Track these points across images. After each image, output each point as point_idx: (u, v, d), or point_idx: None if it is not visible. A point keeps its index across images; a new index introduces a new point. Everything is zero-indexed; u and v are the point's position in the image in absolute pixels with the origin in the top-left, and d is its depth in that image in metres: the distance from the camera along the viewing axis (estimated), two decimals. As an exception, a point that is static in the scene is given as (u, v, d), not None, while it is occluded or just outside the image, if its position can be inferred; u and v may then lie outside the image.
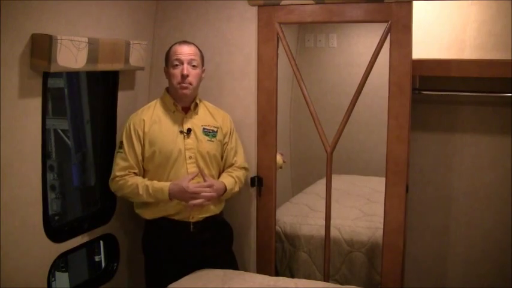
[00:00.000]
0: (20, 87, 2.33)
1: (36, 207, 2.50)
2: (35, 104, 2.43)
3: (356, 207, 3.79)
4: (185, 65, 2.78)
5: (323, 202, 3.14)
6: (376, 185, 3.62)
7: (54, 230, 2.67)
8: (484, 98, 3.21)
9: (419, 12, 2.94)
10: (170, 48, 2.86)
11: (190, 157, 2.79)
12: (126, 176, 2.78)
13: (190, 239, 2.85)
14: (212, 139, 2.87)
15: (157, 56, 3.21)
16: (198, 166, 2.80)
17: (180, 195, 2.72)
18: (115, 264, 3.10)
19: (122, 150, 2.81)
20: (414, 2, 2.80)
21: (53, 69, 2.36)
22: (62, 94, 3.82)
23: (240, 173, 2.96)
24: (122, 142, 2.82)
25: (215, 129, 2.90)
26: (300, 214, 3.66)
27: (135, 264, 3.18)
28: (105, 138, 3.06)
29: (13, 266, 2.37)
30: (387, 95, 2.88)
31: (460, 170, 3.29)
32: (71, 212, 4.05)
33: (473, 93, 3.19)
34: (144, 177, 2.83)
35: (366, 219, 3.56)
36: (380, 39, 2.89)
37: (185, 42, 2.87)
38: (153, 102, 2.92)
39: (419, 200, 3.29)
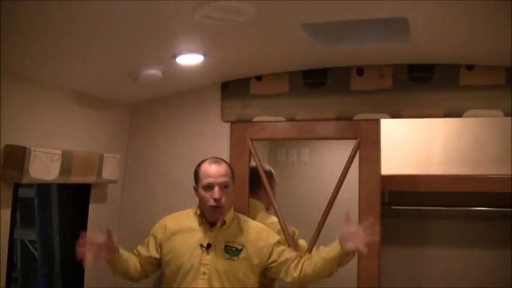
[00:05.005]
0: (-10, 199, 2.31)
1: (-2, 324, 2.40)
2: (5, 215, 2.40)
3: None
4: (216, 189, 2.64)
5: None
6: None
7: None
8: (452, 212, 3.27)
9: (388, 129, 3.04)
10: (200, 165, 2.74)
11: (204, 273, 2.63)
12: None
13: None
14: (233, 258, 2.67)
15: (131, 168, 3.24)
16: (210, 284, 2.63)
17: None
18: None
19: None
20: (382, 120, 2.89)
21: (24, 180, 2.35)
22: (32, 204, 3.78)
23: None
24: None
25: (239, 248, 2.70)
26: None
27: None
28: (74, 250, 2.99)
29: None
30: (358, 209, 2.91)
31: (432, 283, 3.28)
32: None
33: (442, 208, 3.25)
34: (162, 281, 2.78)
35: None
36: (350, 156, 2.95)
37: (215, 161, 2.73)
38: (190, 209, 2.84)
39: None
